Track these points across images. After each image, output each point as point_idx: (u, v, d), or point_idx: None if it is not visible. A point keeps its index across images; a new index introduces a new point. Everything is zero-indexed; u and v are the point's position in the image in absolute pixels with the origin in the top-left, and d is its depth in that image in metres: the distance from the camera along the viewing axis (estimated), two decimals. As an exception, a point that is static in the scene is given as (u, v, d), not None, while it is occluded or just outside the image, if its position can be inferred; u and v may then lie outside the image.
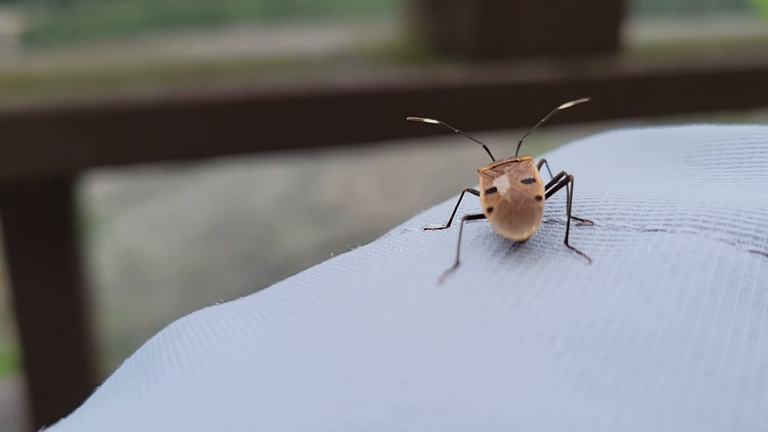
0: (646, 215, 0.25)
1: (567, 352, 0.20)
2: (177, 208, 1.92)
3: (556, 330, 0.20)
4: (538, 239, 0.26)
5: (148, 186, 1.95)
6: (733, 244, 0.23)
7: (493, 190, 0.28)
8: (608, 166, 0.31)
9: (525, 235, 0.25)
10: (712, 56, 0.85)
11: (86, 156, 0.65)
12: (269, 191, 1.96)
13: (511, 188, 0.27)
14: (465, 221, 0.27)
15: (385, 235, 0.29)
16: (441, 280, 0.24)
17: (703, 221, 0.24)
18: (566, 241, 0.25)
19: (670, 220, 0.24)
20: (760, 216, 0.24)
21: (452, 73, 0.74)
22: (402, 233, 0.29)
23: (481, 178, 0.29)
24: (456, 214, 0.29)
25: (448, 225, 0.28)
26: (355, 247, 0.28)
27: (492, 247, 0.26)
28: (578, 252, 0.24)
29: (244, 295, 0.27)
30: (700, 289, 0.21)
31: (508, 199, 0.27)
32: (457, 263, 0.24)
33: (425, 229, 0.28)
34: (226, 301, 0.27)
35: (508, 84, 0.75)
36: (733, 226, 0.24)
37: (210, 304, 0.26)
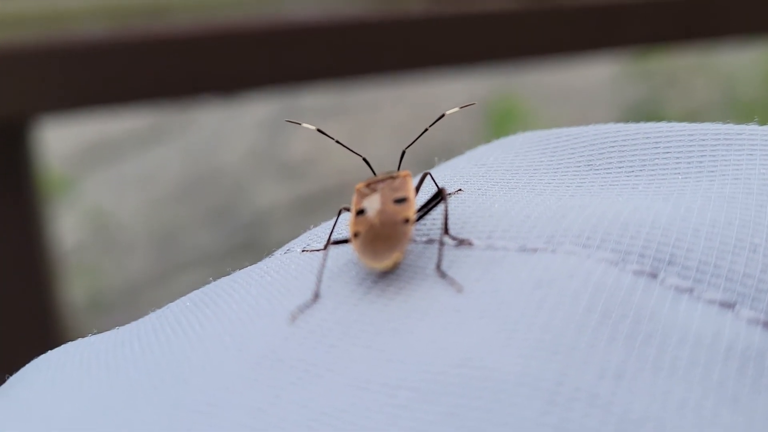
0: (529, 232, 0.23)
1: (410, 406, 0.18)
2: (146, 166, 1.90)
3: (402, 378, 0.19)
4: (411, 264, 0.24)
5: (116, 145, 1.93)
6: (617, 264, 0.21)
7: (364, 211, 0.25)
8: (508, 173, 0.28)
9: (386, 263, 0.23)
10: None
11: (34, 99, 0.63)
12: (238, 147, 1.94)
13: (382, 209, 0.25)
14: (332, 246, 0.25)
15: (271, 254, 0.27)
16: (293, 317, 0.22)
17: (587, 238, 0.22)
18: (438, 266, 0.23)
19: (552, 237, 0.22)
20: (649, 230, 0.22)
21: (414, 5, 0.72)
22: (285, 254, 0.27)
23: (354, 197, 0.26)
24: (334, 235, 0.26)
25: (325, 247, 0.25)
26: (242, 267, 0.27)
27: (359, 275, 0.24)
28: (450, 279, 0.22)
29: (215, 253, 0.26)
30: (566, 323, 0.19)
31: (377, 223, 0.25)
32: (316, 296, 0.23)
33: (303, 250, 0.26)
34: (196, 259, 0.26)
35: (473, 14, 0.73)
36: (619, 243, 0.21)
37: (181, 263, 0.26)
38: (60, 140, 1.59)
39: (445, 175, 0.29)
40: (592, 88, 1.86)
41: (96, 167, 1.88)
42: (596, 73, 1.85)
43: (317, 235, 0.27)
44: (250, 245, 1.52)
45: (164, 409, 0.20)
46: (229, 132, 1.95)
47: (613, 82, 1.91)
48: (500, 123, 1.75)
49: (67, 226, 1.61)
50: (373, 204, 0.25)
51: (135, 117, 1.71)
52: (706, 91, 1.95)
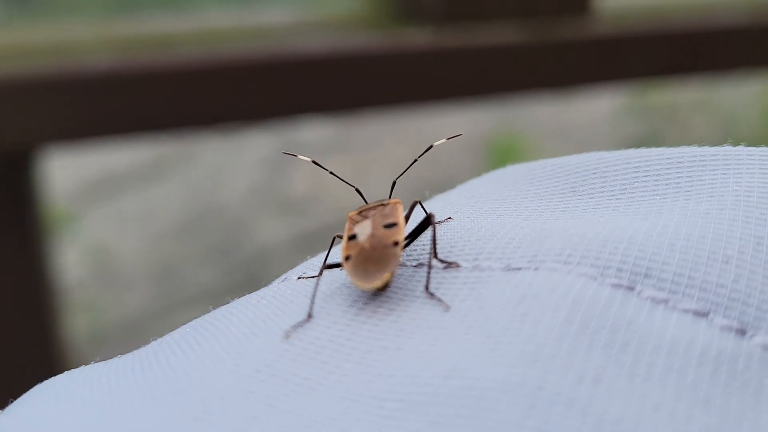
0: (514, 252, 0.24)
1: (397, 416, 0.19)
2: (147, 203, 1.90)
3: (391, 391, 0.20)
4: (401, 286, 0.25)
5: (117, 181, 1.93)
6: (595, 279, 0.22)
7: (355, 236, 0.27)
8: (497, 202, 0.29)
9: (376, 284, 0.24)
10: (683, 17, 0.84)
11: (38, 130, 0.63)
12: (239, 184, 1.94)
13: (372, 234, 0.26)
14: (327, 271, 0.26)
15: (271, 284, 0.29)
16: (288, 335, 0.23)
17: (568, 255, 0.23)
18: (427, 287, 0.24)
19: (535, 256, 0.23)
20: (627, 246, 0.23)
21: (417, 38, 0.73)
22: (282, 282, 0.28)
23: (347, 224, 0.28)
24: (329, 261, 0.28)
25: (320, 274, 0.26)
26: (240, 295, 0.28)
27: (351, 296, 0.25)
28: (438, 299, 0.23)
29: (215, 289, 0.27)
30: (547, 334, 0.20)
31: (367, 246, 0.26)
32: (310, 316, 0.24)
33: (299, 278, 0.27)
34: (196, 295, 0.27)
35: (475, 48, 0.73)
36: (598, 258, 0.22)
37: (182, 299, 0.27)
38: (61, 176, 1.59)
39: (436, 206, 0.31)
40: (593, 124, 1.87)
41: (97, 203, 1.88)
42: (597, 109, 1.85)
43: (313, 264, 0.29)
44: (250, 281, 1.51)
45: (162, 417, 0.21)
46: (230, 169, 1.95)
47: (614, 119, 1.92)
48: (501, 159, 1.75)
49: (68, 262, 1.60)
50: (364, 229, 0.27)
51: (136, 152, 1.71)
52: (706, 128, 1.96)
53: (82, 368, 0.27)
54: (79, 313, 1.47)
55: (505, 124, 1.79)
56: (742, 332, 0.20)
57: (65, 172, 1.63)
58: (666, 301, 0.21)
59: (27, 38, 0.70)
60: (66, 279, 1.52)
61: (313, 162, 0.31)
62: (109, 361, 0.27)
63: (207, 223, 1.82)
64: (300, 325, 0.24)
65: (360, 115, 0.75)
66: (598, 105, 1.82)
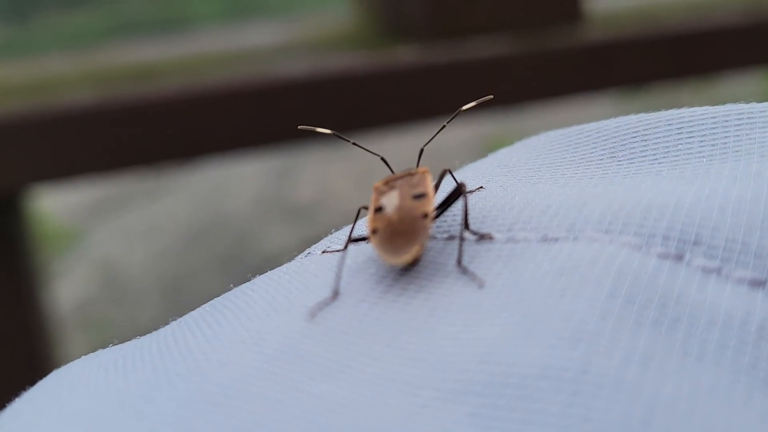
0: (550, 221, 0.22)
1: (432, 405, 0.18)
2: (153, 216, 1.90)
3: (425, 377, 0.18)
4: (432, 261, 0.23)
5: (123, 196, 1.93)
6: (640, 248, 0.20)
7: (382, 208, 0.25)
8: (531, 171, 0.28)
9: (406, 258, 0.23)
10: (674, 20, 0.83)
11: (24, 171, 0.62)
12: (246, 193, 1.94)
13: (400, 205, 0.25)
14: (352, 245, 0.25)
15: (294, 258, 0.27)
16: (312, 314, 0.22)
17: (609, 223, 0.21)
18: (459, 262, 0.22)
19: (574, 224, 0.22)
20: (673, 212, 0.21)
21: (406, 55, 0.72)
22: (306, 256, 0.26)
23: (373, 195, 0.26)
24: (354, 234, 0.26)
25: (345, 247, 0.25)
26: (256, 275, 0.26)
27: (379, 272, 0.23)
28: (471, 274, 0.22)
29: None
30: (589, 310, 0.18)
31: (395, 219, 0.24)
32: (336, 294, 0.23)
33: (323, 252, 0.26)
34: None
35: (465, 62, 0.72)
36: (642, 226, 0.21)
37: (191, 310, 0.25)
38: (67, 193, 1.59)
39: (467, 175, 0.29)
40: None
41: (103, 219, 1.88)
42: (599, 107, 1.84)
43: (338, 237, 0.27)
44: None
45: (177, 401, 0.20)
46: (235, 178, 1.95)
47: (618, 114, 1.90)
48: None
49: (77, 280, 1.60)
50: (391, 201, 0.25)
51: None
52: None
53: (99, 352, 0.25)
54: (89, 330, 1.47)
55: (508, 128, 1.78)
56: None
57: (70, 190, 1.63)
58: (718, 271, 0.20)
59: (5, 76, 0.69)
60: (74, 297, 1.52)
61: (334, 134, 0.29)
62: (127, 343, 0.25)
63: (214, 234, 1.82)
64: (325, 303, 0.22)
65: (354, 137, 0.74)
66: (600, 102, 1.81)
